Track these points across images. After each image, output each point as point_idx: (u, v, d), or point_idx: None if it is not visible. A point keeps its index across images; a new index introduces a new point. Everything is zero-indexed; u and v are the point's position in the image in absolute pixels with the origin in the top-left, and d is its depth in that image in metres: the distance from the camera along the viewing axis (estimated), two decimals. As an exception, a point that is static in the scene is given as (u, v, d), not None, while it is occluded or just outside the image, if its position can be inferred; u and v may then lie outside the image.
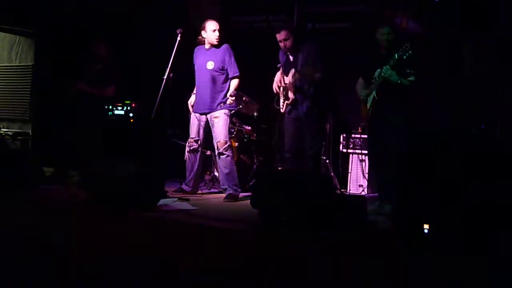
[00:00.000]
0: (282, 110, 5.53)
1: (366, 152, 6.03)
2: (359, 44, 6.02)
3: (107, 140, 5.96)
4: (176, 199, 5.20)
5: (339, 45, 6.52)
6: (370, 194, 5.98)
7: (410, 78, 4.79)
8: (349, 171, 6.30)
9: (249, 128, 6.43)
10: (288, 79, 5.39)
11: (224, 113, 5.50)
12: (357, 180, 6.25)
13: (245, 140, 6.36)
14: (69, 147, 6.11)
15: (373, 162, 5.48)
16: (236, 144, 6.16)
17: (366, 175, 6.17)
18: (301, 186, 4.07)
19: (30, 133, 6.58)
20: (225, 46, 5.53)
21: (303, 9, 6.81)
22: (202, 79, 5.56)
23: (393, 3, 6.24)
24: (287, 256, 3.36)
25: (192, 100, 5.71)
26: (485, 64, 5.67)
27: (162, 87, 5.29)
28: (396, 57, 4.67)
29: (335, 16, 6.75)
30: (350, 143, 6.32)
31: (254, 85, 6.06)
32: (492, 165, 3.46)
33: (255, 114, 6.49)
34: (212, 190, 6.15)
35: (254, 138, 6.47)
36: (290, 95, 5.38)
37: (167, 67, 5.34)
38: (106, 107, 6.16)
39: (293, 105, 5.39)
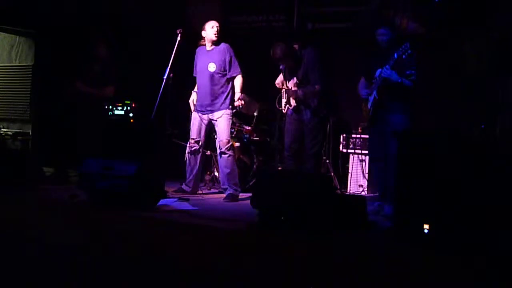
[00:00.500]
0: (284, 111, 5.55)
1: (366, 152, 6.03)
2: (359, 44, 6.02)
3: (107, 140, 5.95)
4: (176, 199, 5.20)
5: (339, 45, 6.53)
6: (370, 194, 5.99)
7: (410, 78, 4.80)
8: (349, 171, 6.31)
9: (249, 128, 6.43)
10: (290, 85, 5.41)
11: (226, 113, 5.51)
12: (357, 180, 6.26)
13: (245, 140, 6.37)
14: (69, 147, 6.10)
15: (373, 162, 5.48)
16: (237, 144, 6.16)
17: (366, 175, 6.18)
18: (301, 186, 4.07)
19: (30, 133, 6.57)
20: (225, 46, 5.51)
21: (303, 9, 6.81)
22: (203, 80, 5.55)
23: (393, 3, 6.24)
24: (287, 256, 3.36)
25: (193, 98, 5.68)
26: (485, 64, 5.67)
27: (162, 87, 5.29)
28: (396, 57, 4.68)
29: (335, 16, 6.75)
30: (350, 143, 6.33)
31: (254, 85, 6.05)
32: (492, 165, 3.46)
33: (255, 114, 6.50)
34: (212, 190, 6.16)
35: (254, 138, 6.47)
36: (292, 102, 5.40)
37: (167, 67, 5.34)
38: (106, 107, 6.16)
39: (295, 111, 5.43)
